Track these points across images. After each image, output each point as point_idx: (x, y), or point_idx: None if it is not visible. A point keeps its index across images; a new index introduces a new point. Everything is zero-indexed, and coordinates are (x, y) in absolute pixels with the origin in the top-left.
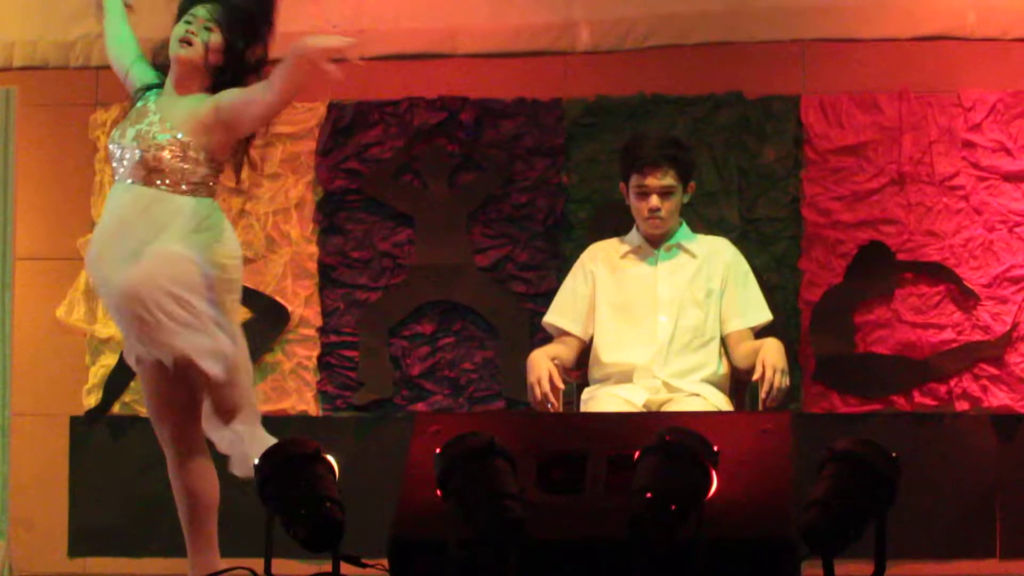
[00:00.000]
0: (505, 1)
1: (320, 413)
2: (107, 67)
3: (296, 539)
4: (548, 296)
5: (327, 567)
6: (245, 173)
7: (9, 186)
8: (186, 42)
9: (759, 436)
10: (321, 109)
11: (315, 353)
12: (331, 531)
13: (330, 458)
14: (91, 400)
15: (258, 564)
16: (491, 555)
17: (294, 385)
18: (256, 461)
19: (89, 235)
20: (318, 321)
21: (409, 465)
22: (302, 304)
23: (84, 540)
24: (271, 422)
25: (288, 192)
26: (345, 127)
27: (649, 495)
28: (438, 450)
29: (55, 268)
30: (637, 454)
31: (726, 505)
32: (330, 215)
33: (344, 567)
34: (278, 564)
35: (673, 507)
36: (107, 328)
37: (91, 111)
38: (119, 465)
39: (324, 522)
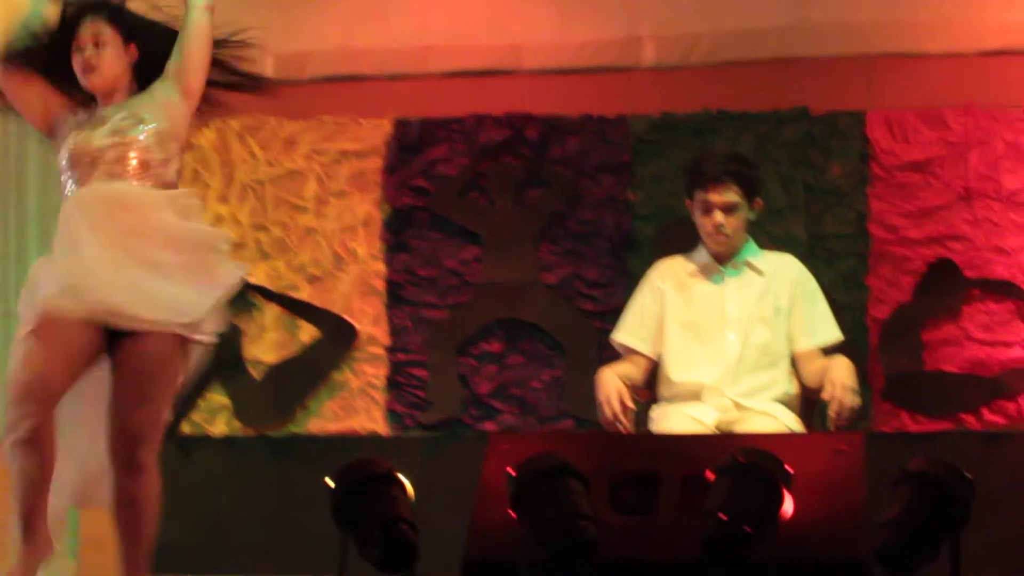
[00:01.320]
0: (570, 17)
1: (389, 432)
2: None
3: (370, 560)
4: (616, 313)
5: None
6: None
7: None
8: (89, 70)
9: (833, 456)
10: (387, 126)
11: (383, 372)
12: (405, 552)
13: (403, 478)
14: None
15: None
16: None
17: (362, 404)
18: (328, 481)
19: None
20: (386, 340)
21: (481, 485)
22: (370, 322)
23: (158, 558)
24: (339, 441)
25: (355, 210)
26: (411, 144)
27: (723, 516)
28: (511, 470)
29: None
30: (710, 475)
31: (800, 526)
32: (397, 233)
33: None
34: None
35: (747, 528)
36: None
37: None
38: (189, 484)
39: (398, 543)
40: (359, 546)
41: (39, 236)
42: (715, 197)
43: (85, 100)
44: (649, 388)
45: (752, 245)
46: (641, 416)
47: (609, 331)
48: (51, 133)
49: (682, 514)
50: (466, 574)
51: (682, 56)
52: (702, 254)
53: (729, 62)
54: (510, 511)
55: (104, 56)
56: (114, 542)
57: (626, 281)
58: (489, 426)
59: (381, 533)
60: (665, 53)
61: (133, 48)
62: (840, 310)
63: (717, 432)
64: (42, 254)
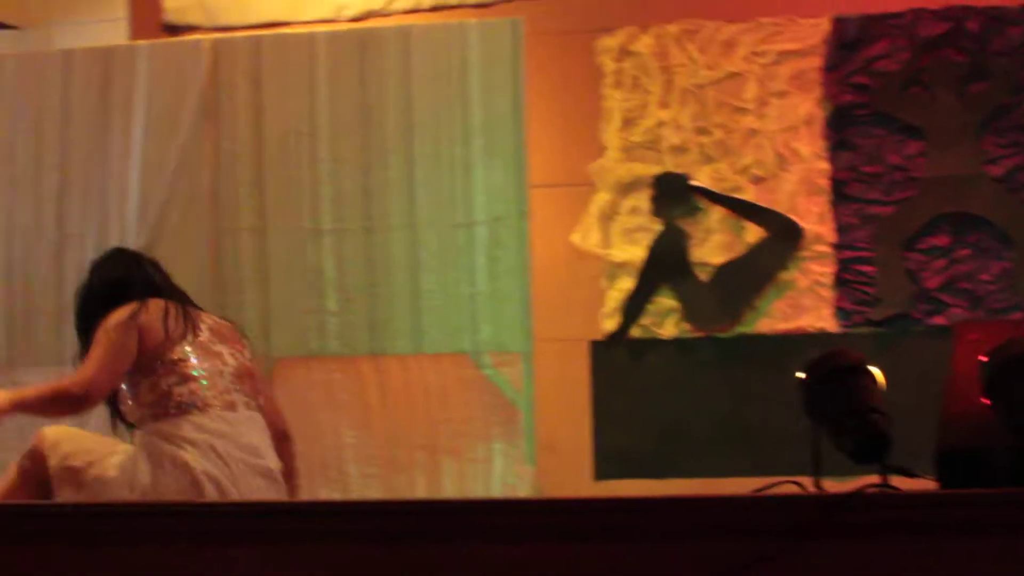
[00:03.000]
0: None
1: (838, 330)
2: None
3: (843, 451)
4: None
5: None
6: None
7: (520, 115)
8: None
9: None
10: (826, 24)
11: (831, 270)
12: (879, 442)
13: (874, 369)
14: (610, 324)
15: (804, 481)
16: None
17: (811, 302)
18: (800, 374)
19: (600, 160)
20: (832, 237)
21: (952, 374)
22: (816, 221)
23: (609, 463)
24: (788, 340)
25: (796, 109)
26: (851, 42)
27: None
28: (983, 358)
29: (568, 194)
30: None
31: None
32: (840, 130)
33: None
34: (826, 482)
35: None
36: (623, 252)
37: (596, 37)
38: (640, 387)
39: (872, 433)
40: (831, 437)
41: (482, 149)
42: None
43: None
44: None
45: None
46: None
47: None
48: None
49: None
50: (940, 463)
51: None
52: None
53: None
54: (983, 399)
55: None
56: (565, 445)
57: None
58: (939, 320)
59: (855, 423)
60: None
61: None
62: None
63: None
64: (485, 166)
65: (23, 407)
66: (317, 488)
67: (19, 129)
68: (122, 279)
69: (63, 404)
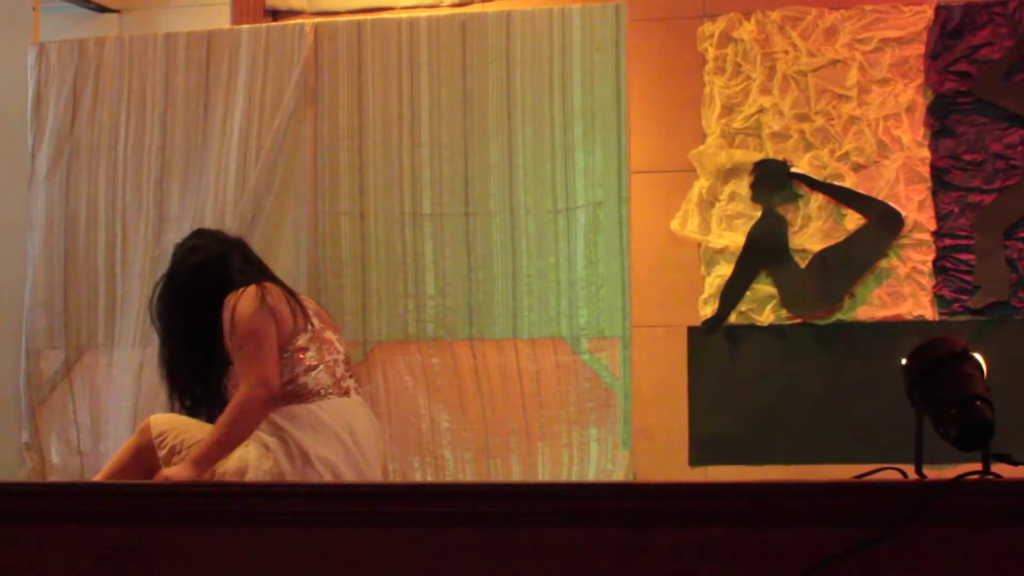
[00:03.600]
0: None
1: (937, 317)
2: None
3: (946, 439)
4: None
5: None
6: None
7: (622, 100)
8: None
9: None
10: (929, 12)
11: (930, 257)
12: (982, 430)
13: (978, 357)
14: (708, 310)
15: (908, 469)
16: None
17: (909, 290)
18: (904, 361)
19: (700, 147)
20: (932, 225)
21: None
22: (915, 208)
23: (704, 448)
24: (887, 327)
25: (898, 97)
26: (954, 29)
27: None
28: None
29: (668, 180)
30: None
31: None
32: (941, 118)
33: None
34: (925, 470)
35: None
36: (721, 239)
37: (698, 23)
38: (737, 374)
39: (975, 421)
40: (935, 425)
41: (582, 134)
42: None
43: None
44: None
45: None
46: None
47: None
48: None
49: None
50: None
51: None
52: None
53: None
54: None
55: None
56: (660, 431)
57: None
58: None
59: (957, 411)
60: None
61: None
62: None
63: None
64: (585, 151)
65: (211, 456)
66: (412, 472)
67: (121, 111)
68: (222, 260)
69: (254, 413)
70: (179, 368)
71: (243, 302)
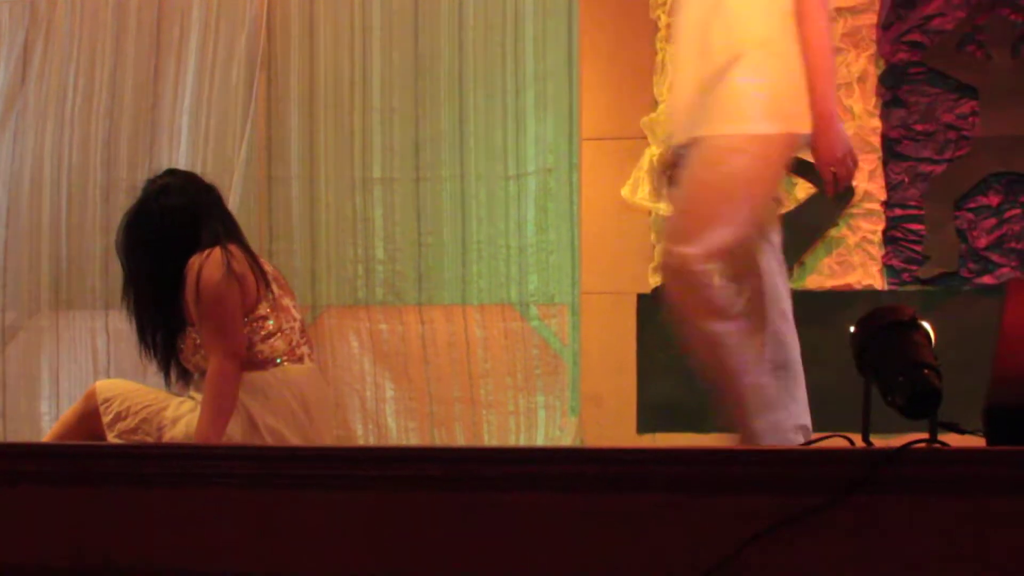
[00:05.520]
0: None
1: (886, 287)
2: None
3: (893, 406)
4: None
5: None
6: None
7: (574, 67)
8: None
9: None
10: None
11: (880, 227)
12: (930, 398)
13: (926, 325)
14: (657, 278)
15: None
16: None
17: (859, 259)
18: (852, 329)
19: (652, 114)
20: (882, 195)
21: (1003, 332)
22: (866, 178)
23: (652, 415)
24: (836, 296)
25: (850, 66)
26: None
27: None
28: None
29: (620, 148)
30: None
31: None
32: (893, 88)
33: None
34: (873, 438)
35: None
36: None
37: None
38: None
39: (923, 389)
40: (882, 392)
41: (534, 100)
42: None
43: None
44: None
45: None
46: None
47: None
48: None
49: None
50: (989, 419)
51: None
52: None
53: None
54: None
55: None
56: (609, 398)
57: None
58: (987, 279)
59: (905, 379)
60: None
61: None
62: None
63: None
64: (537, 118)
65: (209, 433)
66: (355, 440)
67: (70, 72)
68: (194, 208)
69: (230, 385)
70: (140, 311)
71: (208, 268)
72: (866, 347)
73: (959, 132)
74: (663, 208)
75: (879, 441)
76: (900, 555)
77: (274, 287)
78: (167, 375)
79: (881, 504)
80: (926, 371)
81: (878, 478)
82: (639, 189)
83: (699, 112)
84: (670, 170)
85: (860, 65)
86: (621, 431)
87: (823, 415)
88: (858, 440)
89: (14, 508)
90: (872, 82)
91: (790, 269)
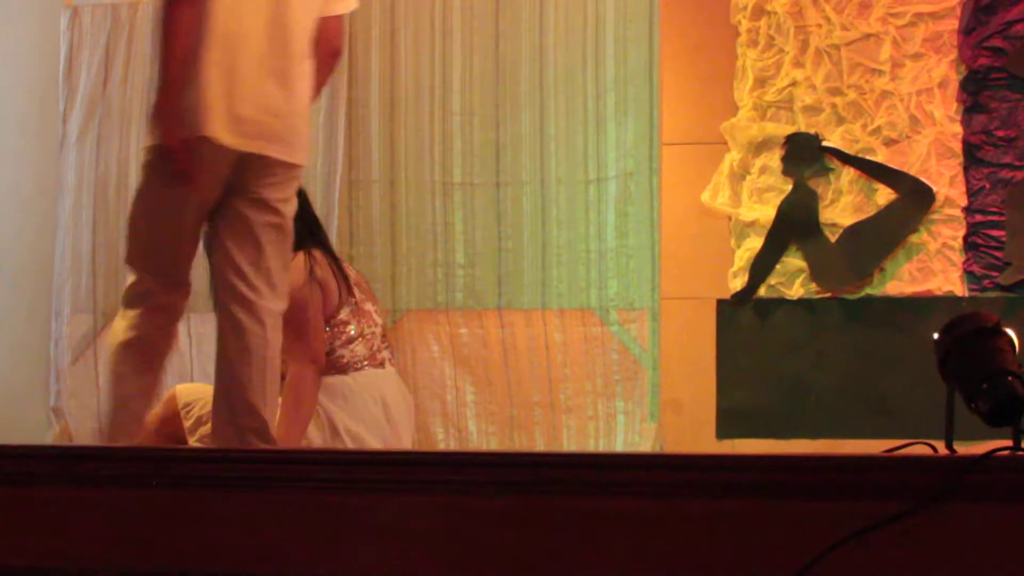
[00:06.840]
0: None
1: (966, 293)
2: None
3: (977, 413)
4: None
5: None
6: None
7: (655, 72)
8: None
9: None
10: None
11: (961, 233)
12: (1014, 405)
13: (1011, 332)
14: (737, 283)
15: (938, 444)
16: None
17: (940, 266)
18: (936, 336)
19: (732, 119)
20: (963, 201)
21: None
22: (947, 184)
23: (732, 421)
24: (916, 302)
25: (931, 72)
26: (987, 5)
27: None
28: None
29: (700, 152)
30: None
31: None
32: (974, 93)
33: None
34: (956, 445)
35: None
36: (752, 211)
37: None
38: (766, 347)
39: (1007, 396)
40: (965, 399)
41: (615, 105)
42: None
43: None
44: None
45: None
46: None
47: None
48: None
49: None
50: None
51: None
52: None
53: None
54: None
55: None
56: (688, 404)
57: None
58: None
59: (989, 386)
60: None
61: None
62: None
63: None
64: (617, 122)
65: (288, 437)
66: (436, 444)
67: (152, 76)
68: None
69: (311, 388)
70: None
71: (291, 273)
72: (950, 353)
73: None
74: (742, 213)
75: (962, 448)
76: (982, 563)
77: (356, 292)
78: None
79: (964, 511)
80: (1010, 378)
81: (961, 485)
82: (719, 194)
83: None
84: None
85: (941, 70)
86: (700, 437)
87: (904, 422)
88: (941, 447)
89: (98, 511)
90: (953, 87)
91: (871, 275)
